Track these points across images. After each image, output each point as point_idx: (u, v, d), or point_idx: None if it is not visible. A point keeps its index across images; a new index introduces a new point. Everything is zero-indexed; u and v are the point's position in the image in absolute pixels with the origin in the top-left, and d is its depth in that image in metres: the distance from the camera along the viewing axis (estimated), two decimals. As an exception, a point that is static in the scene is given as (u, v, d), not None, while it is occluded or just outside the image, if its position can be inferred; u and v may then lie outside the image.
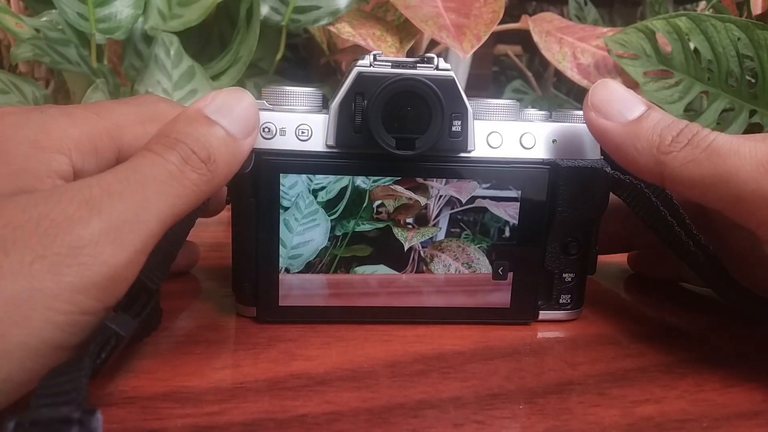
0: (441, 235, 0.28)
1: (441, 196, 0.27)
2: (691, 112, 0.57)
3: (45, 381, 0.17)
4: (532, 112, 0.29)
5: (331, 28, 0.63)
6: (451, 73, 0.26)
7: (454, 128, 0.26)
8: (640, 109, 0.26)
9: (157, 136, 0.22)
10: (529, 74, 0.89)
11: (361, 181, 0.27)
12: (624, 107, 0.26)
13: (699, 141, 0.24)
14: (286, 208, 0.26)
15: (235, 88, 0.24)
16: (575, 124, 0.28)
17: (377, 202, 0.27)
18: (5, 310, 0.17)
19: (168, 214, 0.20)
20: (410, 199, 0.27)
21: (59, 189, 0.19)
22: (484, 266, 0.28)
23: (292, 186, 0.26)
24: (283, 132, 0.26)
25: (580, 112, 0.29)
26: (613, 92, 0.26)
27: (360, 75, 0.25)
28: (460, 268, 0.28)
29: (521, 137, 0.27)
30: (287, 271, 0.27)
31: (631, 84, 0.63)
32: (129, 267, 0.19)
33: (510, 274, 0.28)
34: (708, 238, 0.31)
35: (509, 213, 0.28)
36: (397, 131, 0.25)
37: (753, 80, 0.55)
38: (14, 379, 0.17)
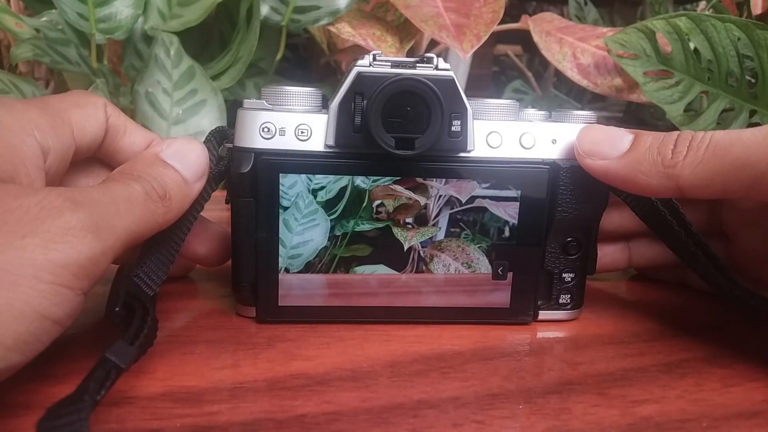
0: (441, 235, 0.28)
1: (440, 196, 0.27)
2: (691, 112, 0.57)
3: (46, 422, 0.17)
4: (532, 112, 0.29)
5: (331, 28, 0.63)
6: (451, 73, 0.26)
7: (453, 128, 0.26)
8: (629, 138, 0.27)
9: (119, 172, 0.24)
10: (529, 74, 0.89)
11: (360, 181, 0.27)
12: (613, 143, 0.26)
13: (698, 144, 0.25)
14: (286, 208, 0.26)
15: (188, 138, 0.26)
16: (575, 124, 0.28)
17: (377, 202, 0.27)
18: None
19: (132, 231, 0.22)
20: (410, 198, 0.27)
21: (46, 188, 0.21)
22: (483, 266, 0.28)
23: (292, 186, 0.26)
24: (282, 132, 0.26)
25: (580, 112, 0.29)
26: (597, 133, 0.27)
27: (360, 75, 0.25)
28: (460, 268, 0.28)
29: (521, 137, 0.27)
30: (287, 270, 0.27)
31: (631, 84, 0.63)
32: (104, 257, 0.21)
33: (510, 274, 0.28)
34: (720, 241, 0.31)
35: (509, 213, 0.28)
36: (397, 131, 0.25)
37: (753, 80, 0.55)
38: (4, 342, 0.18)
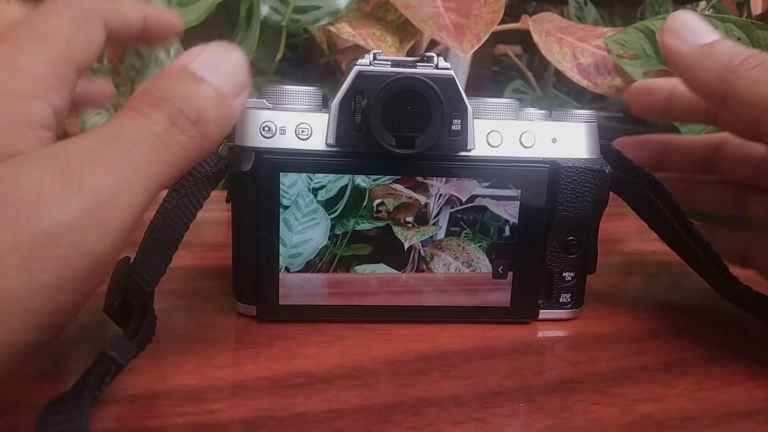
0: (441, 234, 0.28)
1: (441, 195, 0.27)
2: (691, 112, 0.56)
3: (44, 419, 0.16)
4: (532, 111, 0.29)
5: (331, 28, 0.63)
6: (451, 72, 0.26)
7: (453, 127, 0.26)
8: (714, 36, 0.27)
9: (140, 94, 0.19)
10: (529, 74, 0.89)
11: (361, 180, 0.27)
12: (698, 33, 0.27)
13: (766, 65, 0.25)
14: (286, 207, 0.26)
15: (222, 43, 0.21)
16: (575, 123, 0.28)
17: (377, 201, 0.27)
18: None
19: (155, 183, 0.18)
20: (410, 197, 0.27)
21: (30, 157, 0.17)
22: (484, 265, 0.28)
23: (292, 185, 0.26)
24: (282, 131, 0.26)
25: (580, 112, 0.29)
26: (689, 20, 0.28)
27: (360, 74, 0.25)
28: (460, 267, 0.28)
29: (521, 136, 0.27)
30: (287, 270, 0.27)
31: (631, 83, 0.63)
32: (113, 252, 0.17)
33: (510, 273, 0.28)
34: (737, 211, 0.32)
35: (509, 212, 0.28)
36: (397, 130, 0.25)
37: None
38: None
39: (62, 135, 0.20)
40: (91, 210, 0.16)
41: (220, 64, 0.21)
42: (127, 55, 0.60)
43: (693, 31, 0.27)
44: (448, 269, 0.28)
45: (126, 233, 0.18)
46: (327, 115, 0.26)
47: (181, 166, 0.19)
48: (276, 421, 0.20)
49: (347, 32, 0.62)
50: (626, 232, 0.49)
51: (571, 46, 0.66)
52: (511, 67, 1.01)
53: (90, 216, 0.16)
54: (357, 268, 0.27)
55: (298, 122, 0.26)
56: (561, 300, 0.29)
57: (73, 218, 0.16)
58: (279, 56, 0.65)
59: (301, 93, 0.27)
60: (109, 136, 0.18)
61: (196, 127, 0.19)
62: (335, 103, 0.26)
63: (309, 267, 0.27)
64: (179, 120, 0.19)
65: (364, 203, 0.27)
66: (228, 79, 0.21)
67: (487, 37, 0.59)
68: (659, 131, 0.36)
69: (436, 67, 0.26)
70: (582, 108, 0.88)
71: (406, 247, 0.28)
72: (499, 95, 0.83)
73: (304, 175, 0.26)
